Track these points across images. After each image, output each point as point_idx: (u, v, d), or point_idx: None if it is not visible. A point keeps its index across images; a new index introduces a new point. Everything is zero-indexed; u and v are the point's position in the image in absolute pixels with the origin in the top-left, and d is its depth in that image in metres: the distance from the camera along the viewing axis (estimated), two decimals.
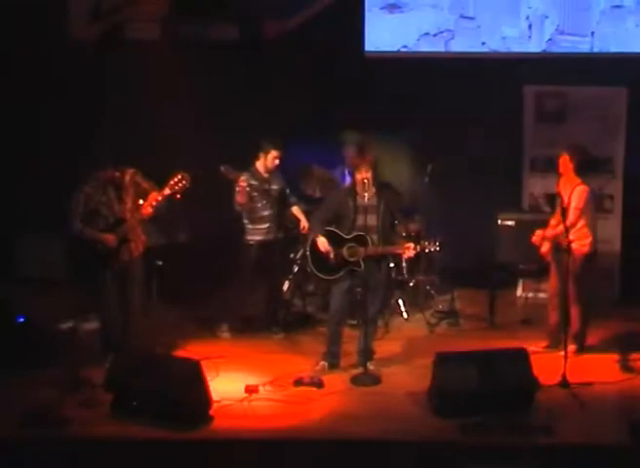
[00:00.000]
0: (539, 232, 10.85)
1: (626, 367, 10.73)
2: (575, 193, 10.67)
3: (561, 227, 10.55)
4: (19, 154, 12.42)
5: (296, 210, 11.60)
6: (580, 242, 10.69)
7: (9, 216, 12.30)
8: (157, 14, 13.26)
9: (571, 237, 10.56)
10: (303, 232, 11.47)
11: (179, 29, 13.21)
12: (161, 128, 11.87)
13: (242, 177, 11.05)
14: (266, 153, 11.30)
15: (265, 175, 11.40)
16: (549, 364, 10.23)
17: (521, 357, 9.63)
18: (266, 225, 11.46)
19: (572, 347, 10.79)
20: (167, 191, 10.47)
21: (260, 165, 11.36)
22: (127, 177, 10.43)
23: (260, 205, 11.42)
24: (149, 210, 10.41)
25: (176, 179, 10.45)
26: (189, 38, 13.15)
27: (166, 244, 12.25)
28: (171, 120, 12.09)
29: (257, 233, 11.50)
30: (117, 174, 10.37)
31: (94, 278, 10.59)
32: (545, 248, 10.85)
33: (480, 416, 9.16)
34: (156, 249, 11.61)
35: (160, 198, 10.44)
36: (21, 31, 12.31)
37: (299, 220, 11.54)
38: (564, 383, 9.92)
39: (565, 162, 10.77)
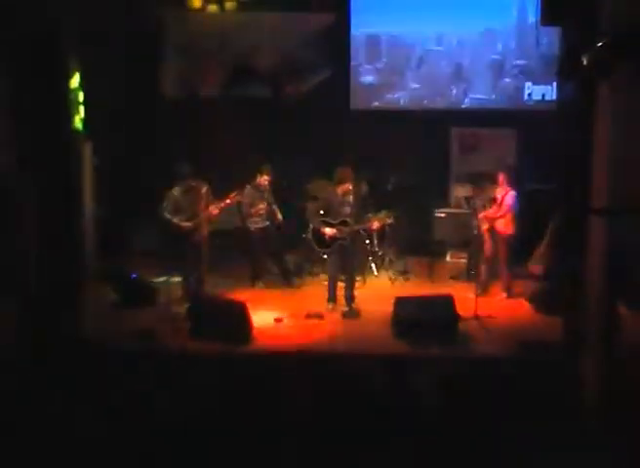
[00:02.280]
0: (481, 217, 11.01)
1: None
2: (508, 196, 10.82)
3: (497, 215, 10.84)
4: (135, 168, 12.38)
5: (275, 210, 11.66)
6: (507, 226, 10.83)
7: (124, 210, 12.28)
8: (219, 80, 13.19)
9: (500, 222, 10.82)
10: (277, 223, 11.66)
11: (232, 90, 13.14)
12: (221, 156, 11.82)
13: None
14: (261, 174, 11.38)
15: (262, 187, 11.46)
16: (467, 304, 10.20)
17: (449, 299, 9.74)
18: (260, 218, 11.49)
19: (503, 294, 11.01)
20: (228, 201, 10.71)
21: (258, 180, 11.41)
22: (203, 189, 10.56)
23: (259, 205, 11.47)
24: (216, 211, 10.63)
25: (233, 194, 10.72)
26: (239, 96, 13.10)
27: (225, 229, 12.25)
28: (227, 150, 12.04)
29: (254, 222, 11.51)
30: (194, 185, 10.51)
31: (178, 250, 10.70)
32: (484, 228, 10.94)
33: (423, 337, 9.28)
34: (218, 232, 11.70)
35: (223, 205, 10.66)
36: (130, 92, 12.13)
37: (276, 216, 11.61)
38: (476, 317, 10.06)
39: (502, 177, 10.91)
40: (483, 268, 11.17)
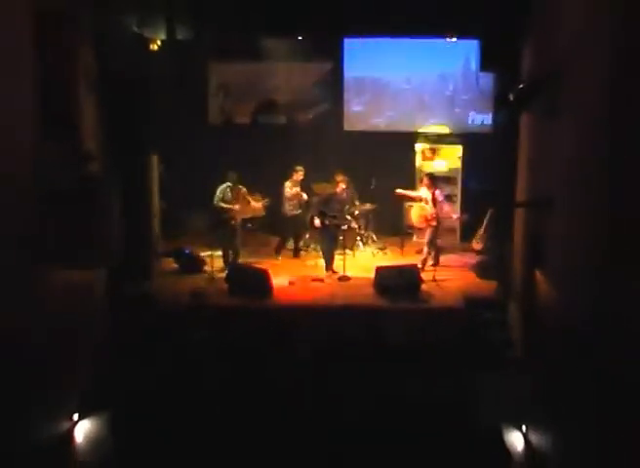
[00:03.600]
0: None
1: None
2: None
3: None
4: (189, 174, 12.07)
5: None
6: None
7: (185, 201, 12.17)
8: (249, 111, 13.09)
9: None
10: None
11: (258, 118, 13.09)
12: (255, 170, 11.67)
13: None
14: (296, 173, 11.36)
15: (296, 183, 11.44)
16: (426, 272, 10.35)
17: (414, 267, 9.93)
18: (293, 207, 11.40)
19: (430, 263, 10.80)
20: (259, 204, 10.85)
21: (295, 177, 11.37)
22: (242, 191, 10.69)
23: (295, 196, 11.40)
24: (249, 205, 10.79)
25: (265, 201, 10.87)
26: (264, 122, 13.07)
27: (254, 216, 12.23)
28: (258, 165, 11.96)
29: (288, 211, 11.42)
30: (233, 187, 10.61)
31: (219, 231, 10.76)
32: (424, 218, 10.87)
33: (395, 294, 9.40)
34: (248, 219, 11.70)
35: (255, 206, 10.82)
36: (179, 117, 11.75)
37: (303, 198, 11.46)
38: (434, 280, 10.14)
39: (427, 180, 10.90)
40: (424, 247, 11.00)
